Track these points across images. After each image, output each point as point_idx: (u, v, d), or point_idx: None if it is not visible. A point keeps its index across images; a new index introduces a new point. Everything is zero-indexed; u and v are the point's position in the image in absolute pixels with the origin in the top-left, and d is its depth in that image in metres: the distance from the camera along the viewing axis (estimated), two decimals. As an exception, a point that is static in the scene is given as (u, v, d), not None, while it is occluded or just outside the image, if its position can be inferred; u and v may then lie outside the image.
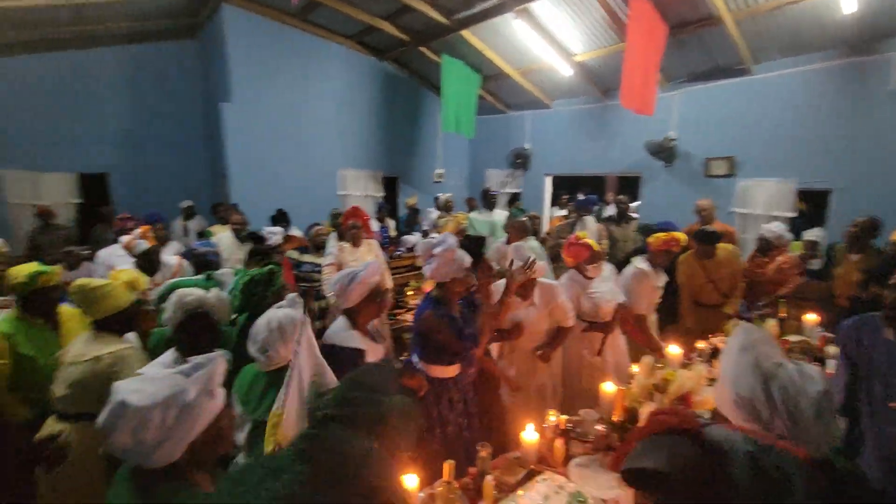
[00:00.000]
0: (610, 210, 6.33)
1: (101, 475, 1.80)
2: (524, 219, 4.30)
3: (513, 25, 5.55)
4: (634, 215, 5.70)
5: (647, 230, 4.20)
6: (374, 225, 6.27)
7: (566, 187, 8.59)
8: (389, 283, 4.21)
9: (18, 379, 2.13)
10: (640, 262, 3.11)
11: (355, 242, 3.97)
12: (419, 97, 8.21)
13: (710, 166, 5.55)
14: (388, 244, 6.09)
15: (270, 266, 2.19)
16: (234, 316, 2.34)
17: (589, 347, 2.92)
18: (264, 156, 6.44)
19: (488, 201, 5.84)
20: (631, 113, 4.90)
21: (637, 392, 2.12)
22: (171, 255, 3.73)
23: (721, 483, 0.84)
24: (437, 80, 6.36)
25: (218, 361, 1.10)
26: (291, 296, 1.95)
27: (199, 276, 2.86)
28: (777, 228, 3.80)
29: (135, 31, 6.48)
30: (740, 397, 1.03)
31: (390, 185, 8.27)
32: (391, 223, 6.69)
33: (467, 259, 2.17)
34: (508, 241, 4.04)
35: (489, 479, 1.68)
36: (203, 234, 5.51)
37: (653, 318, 3.35)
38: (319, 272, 3.91)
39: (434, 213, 6.34)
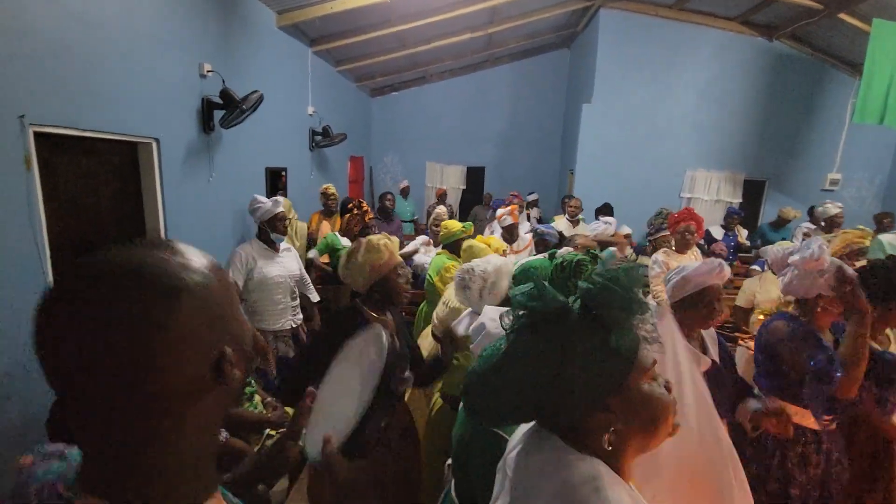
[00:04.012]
0: None
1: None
2: None
3: None
4: None
5: None
6: (718, 232, 5.44)
7: None
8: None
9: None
10: None
11: (680, 248, 3.57)
12: (819, 80, 6.38)
13: None
14: (734, 258, 5.17)
15: (581, 257, 2.16)
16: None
17: None
18: (611, 152, 6.59)
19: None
20: None
21: None
22: (525, 233, 4.47)
23: None
24: (855, 55, 4.78)
25: None
26: None
27: (543, 256, 3.26)
28: None
29: (523, 49, 7.90)
30: None
31: (753, 191, 6.90)
32: (743, 232, 5.60)
33: (847, 272, 1.63)
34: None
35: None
36: (540, 221, 6.27)
37: None
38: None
39: (812, 225, 4.92)
